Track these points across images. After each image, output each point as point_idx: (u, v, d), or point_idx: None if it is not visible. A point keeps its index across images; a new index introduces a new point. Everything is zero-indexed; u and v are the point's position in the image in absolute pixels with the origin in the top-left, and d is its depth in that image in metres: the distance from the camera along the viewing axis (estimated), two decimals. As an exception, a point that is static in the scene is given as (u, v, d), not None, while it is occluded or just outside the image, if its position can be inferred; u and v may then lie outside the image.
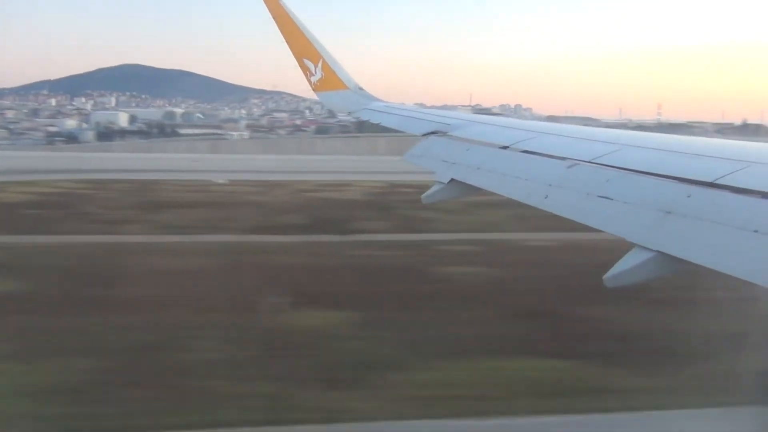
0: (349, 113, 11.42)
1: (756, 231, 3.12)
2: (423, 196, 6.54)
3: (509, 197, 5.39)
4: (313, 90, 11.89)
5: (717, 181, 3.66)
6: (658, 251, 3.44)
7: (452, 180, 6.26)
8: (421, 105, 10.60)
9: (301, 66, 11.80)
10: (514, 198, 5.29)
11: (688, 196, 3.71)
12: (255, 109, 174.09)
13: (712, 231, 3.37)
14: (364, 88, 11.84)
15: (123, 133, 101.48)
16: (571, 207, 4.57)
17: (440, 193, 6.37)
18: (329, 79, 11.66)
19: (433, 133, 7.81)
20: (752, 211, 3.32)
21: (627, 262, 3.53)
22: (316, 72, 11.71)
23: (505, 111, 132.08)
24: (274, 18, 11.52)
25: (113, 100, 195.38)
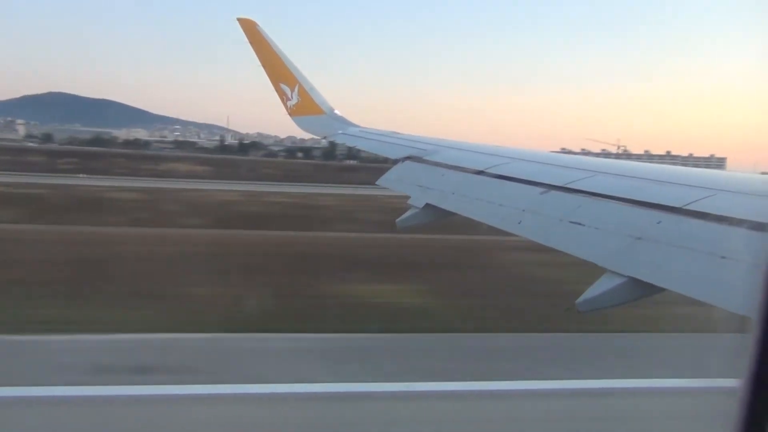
0: (325, 137, 11.43)
1: (723, 257, 3.16)
2: (398, 220, 6.52)
3: (483, 222, 5.40)
4: (289, 114, 11.89)
5: (686, 208, 3.72)
6: (629, 276, 3.46)
7: (427, 204, 6.27)
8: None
9: (277, 90, 11.81)
10: (488, 223, 5.30)
11: (658, 223, 3.75)
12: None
13: (681, 257, 3.40)
14: (339, 112, 11.88)
15: None
16: (543, 232, 4.60)
17: (415, 218, 6.36)
18: (305, 103, 11.68)
19: (408, 158, 7.84)
20: (720, 237, 3.36)
21: (598, 288, 3.54)
22: (292, 96, 11.73)
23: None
24: (251, 43, 11.55)
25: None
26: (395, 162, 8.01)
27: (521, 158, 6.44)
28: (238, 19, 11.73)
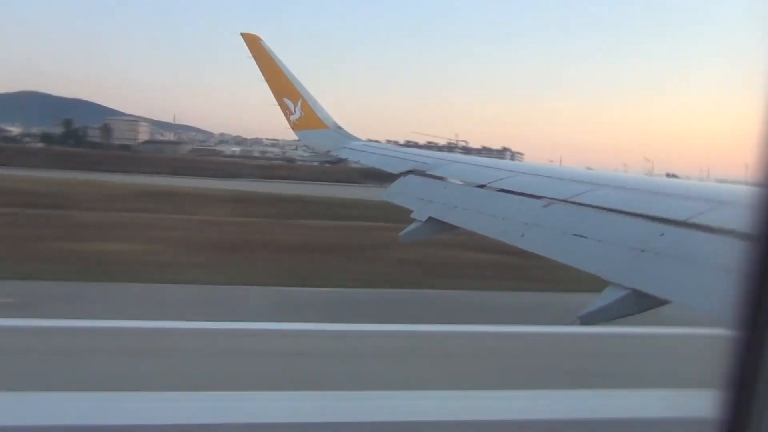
0: (328, 151, 11.48)
1: (727, 269, 3.16)
2: (401, 233, 6.54)
3: (486, 235, 5.42)
4: (293, 129, 11.96)
5: (689, 221, 3.73)
6: (632, 288, 3.47)
7: (430, 218, 6.28)
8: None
9: (280, 105, 11.89)
10: (491, 236, 5.31)
11: (661, 235, 3.76)
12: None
13: (684, 269, 3.41)
14: (342, 127, 11.94)
15: None
16: (546, 245, 4.61)
17: (418, 232, 6.38)
18: (309, 118, 11.75)
19: (410, 171, 7.87)
20: (722, 249, 3.37)
21: (603, 300, 3.54)
22: (295, 111, 11.80)
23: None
24: (255, 58, 11.64)
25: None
26: (398, 176, 8.04)
27: (523, 172, 6.46)
28: (242, 34, 11.84)
